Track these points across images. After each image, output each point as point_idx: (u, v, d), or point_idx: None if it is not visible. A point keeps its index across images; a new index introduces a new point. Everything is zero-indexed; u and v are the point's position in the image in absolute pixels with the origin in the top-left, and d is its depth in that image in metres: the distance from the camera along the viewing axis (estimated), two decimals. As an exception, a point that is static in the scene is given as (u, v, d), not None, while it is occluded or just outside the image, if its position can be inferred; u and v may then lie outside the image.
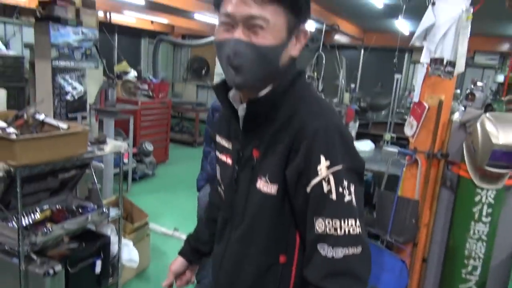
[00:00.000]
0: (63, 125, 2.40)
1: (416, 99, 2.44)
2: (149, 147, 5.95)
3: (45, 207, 2.59)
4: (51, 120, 2.45)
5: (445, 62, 2.20)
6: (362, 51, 9.34)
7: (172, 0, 6.12)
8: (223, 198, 1.14)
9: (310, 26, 7.87)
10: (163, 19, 8.93)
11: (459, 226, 2.40)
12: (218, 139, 1.14)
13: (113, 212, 2.76)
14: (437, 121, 2.38)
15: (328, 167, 0.87)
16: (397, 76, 5.35)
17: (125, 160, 5.36)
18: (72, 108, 4.95)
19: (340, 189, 0.87)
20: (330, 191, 0.87)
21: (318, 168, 0.87)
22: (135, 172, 5.72)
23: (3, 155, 2.00)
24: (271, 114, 0.96)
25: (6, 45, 6.58)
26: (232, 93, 1.03)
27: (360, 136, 5.72)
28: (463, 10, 2.11)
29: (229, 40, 0.90)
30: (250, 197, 1.00)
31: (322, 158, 0.87)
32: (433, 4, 2.16)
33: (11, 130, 2.09)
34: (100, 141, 2.64)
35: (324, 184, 0.87)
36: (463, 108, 2.79)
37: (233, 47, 0.89)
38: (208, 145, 2.57)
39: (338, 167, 0.87)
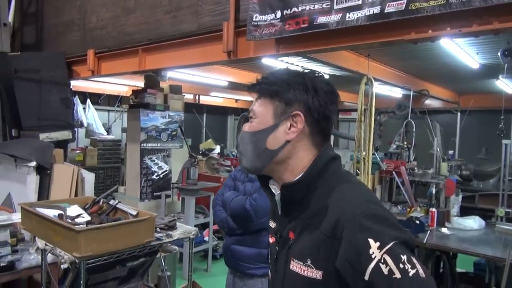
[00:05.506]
0: (132, 211, 2.36)
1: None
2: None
3: (113, 297, 2.49)
4: (122, 206, 2.45)
5: None
6: (459, 114, 8.56)
7: (250, 80, 6.33)
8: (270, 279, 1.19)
9: (396, 93, 7.53)
10: (246, 97, 9.35)
11: None
12: (270, 221, 1.22)
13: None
14: None
15: (380, 248, 0.85)
16: (505, 141, 4.61)
17: (206, 238, 5.28)
18: (157, 187, 5.13)
19: (401, 265, 0.83)
20: (391, 271, 0.82)
21: (370, 252, 0.85)
22: (215, 250, 5.57)
23: (70, 246, 1.97)
24: (306, 199, 1.03)
25: (108, 130, 7.33)
26: (272, 181, 1.13)
27: (465, 210, 4.92)
28: None
29: None
30: (286, 278, 1.04)
31: (371, 241, 0.86)
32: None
33: (79, 220, 2.08)
34: (170, 227, 2.54)
35: (382, 267, 0.83)
36: None
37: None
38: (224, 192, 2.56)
39: (390, 244, 0.85)
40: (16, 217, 2.78)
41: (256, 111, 1.07)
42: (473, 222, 4.10)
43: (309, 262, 0.97)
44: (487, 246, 3.58)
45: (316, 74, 1.08)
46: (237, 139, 1.13)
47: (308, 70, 1.09)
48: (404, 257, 0.84)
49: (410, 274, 0.82)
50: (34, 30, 5.19)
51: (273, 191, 1.12)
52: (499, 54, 3.67)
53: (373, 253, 0.85)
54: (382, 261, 0.84)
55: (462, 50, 4.51)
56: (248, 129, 1.07)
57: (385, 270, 0.83)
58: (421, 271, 0.83)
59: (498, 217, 4.30)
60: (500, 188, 4.73)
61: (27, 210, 2.34)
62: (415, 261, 0.85)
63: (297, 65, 5.12)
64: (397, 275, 0.82)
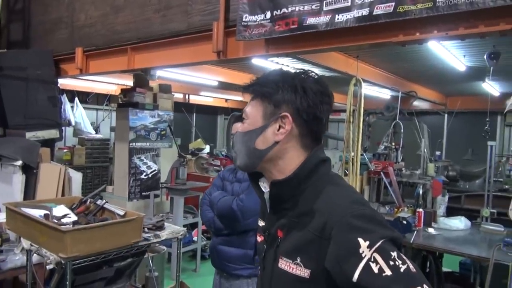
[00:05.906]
0: (120, 211, 2.34)
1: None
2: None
3: (100, 298, 2.47)
4: (109, 206, 2.43)
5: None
6: (446, 116, 8.66)
7: (240, 80, 6.34)
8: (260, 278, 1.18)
9: (384, 94, 7.58)
10: (236, 97, 9.33)
11: None
12: (259, 221, 1.22)
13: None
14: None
15: (370, 246, 0.85)
16: (490, 143, 4.68)
17: (195, 238, 5.25)
18: (146, 186, 5.09)
19: (391, 262, 0.84)
20: (381, 269, 0.83)
21: (360, 251, 0.85)
22: (204, 250, 5.54)
23: (56, 246, 1.95)
24: (294, 198, 1.03)
25: (97, 129, 7.25)
26: (262, 179, 1.14)
27: (451, 211, 4.99)
28: None
29: None
30: (274, 277, 1.04)
31: (361, 240, 0.86)
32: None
33: (66, 220, 2.06)
34: (158, 227, 2.52)
35: (372, 265, 0.84)
36: None
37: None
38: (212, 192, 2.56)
39: (379, 243, 0.86)
40: (1, 217, 2.74)
41: (248, 112, 1.09)
42: (459, 222, 4.14)
43: (298, 260, 0.97)
44: (472, 246, 3.62)
45: (309, 75, 1.07)
46: (227, 139, 1.17)
47: (302, 71, 1.08)
48: (394, 254, 0.85)
49: (402, 269, 0.83)
50: (21, 27, 5.11)
51: (263, 189, 1.13)
52: (485, 57, 3.72)
53: (363, 252, 0.85)
54: (372, 259, 0.84)
55: (449, 53, 4.56)
56: (240, 130, 1.09)
57: (375, 269, 0.83)
58: (411, 266, 0.84)
59: (483, 217, 4.35)
60: (486, 188, 4.80)
61: (12, 210, 2.30)
62: (405, 258, 0.86)
63: (287, 66, 5.13)
64: (387, 272, 0.83)
